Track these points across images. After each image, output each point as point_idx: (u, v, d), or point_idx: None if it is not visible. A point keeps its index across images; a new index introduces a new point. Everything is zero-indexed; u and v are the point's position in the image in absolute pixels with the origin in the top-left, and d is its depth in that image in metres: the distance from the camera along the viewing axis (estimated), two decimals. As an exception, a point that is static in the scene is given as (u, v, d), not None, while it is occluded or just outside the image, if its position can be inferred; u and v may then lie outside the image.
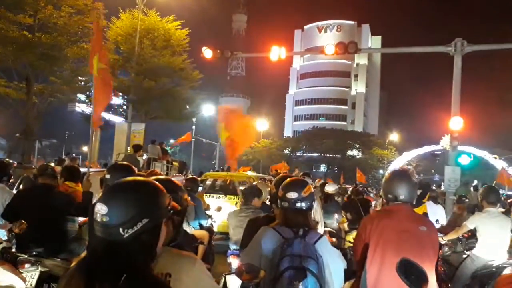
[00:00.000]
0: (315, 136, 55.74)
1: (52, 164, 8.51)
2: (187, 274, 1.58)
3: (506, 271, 4.50)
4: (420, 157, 45.88)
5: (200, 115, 32.22)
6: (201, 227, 5.96)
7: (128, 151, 10.59)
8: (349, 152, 57.19)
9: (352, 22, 78.96)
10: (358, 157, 55.89)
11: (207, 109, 33.82)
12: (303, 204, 2.48)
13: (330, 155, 56.50)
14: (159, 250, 1.39)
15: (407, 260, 1.99)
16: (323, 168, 61.20)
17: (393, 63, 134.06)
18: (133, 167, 3.44)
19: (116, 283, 1.18)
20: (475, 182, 18.19)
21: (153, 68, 21.93)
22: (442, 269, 5.53)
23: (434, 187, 17.06)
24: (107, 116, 25.45)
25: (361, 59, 76.81)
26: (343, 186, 18.91)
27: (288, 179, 2.71)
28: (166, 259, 1.59)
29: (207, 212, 6.89)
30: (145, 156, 13.58)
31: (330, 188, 7.93)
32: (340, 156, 56.13)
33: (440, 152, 36.29)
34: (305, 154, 58.25)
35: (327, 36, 73.87)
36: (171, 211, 1.40)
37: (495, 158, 33.36)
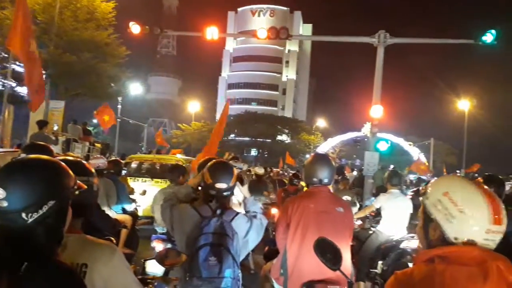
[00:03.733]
0: (247, 120, 56.21)
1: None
2: (105, 265, 1.47)
3: (404, 244, 5.09)
4: (343, 142, 48.58)
5: (127, 94, 30.72)
6: (124, 211, 5.75)
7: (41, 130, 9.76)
8: (279, 137, 58.62)
9: (285, 8, 79.97)
10: (287, 142, 57.52)
11: (135, 88, 32.30)
12: (229, 193, 2.61)
13: (261, 140, 57.48)
14: (65, 235, 1.28)
15: (324, 238, 2.06)
16: (253, 152, 62.13)
17: (322, 52, 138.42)
18: (51, 148, 3.22)
19: (17, 272, 1.05)
20: (392, 166, 19.64)
21: (75, 42, 20.36)
22: (351, 244, 6.01)
23: (355, 171, 18.21)
24: (22, 92, 23.24)
25: (292, 46, 78.33)
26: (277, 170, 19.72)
27: (214, 163, 2.66)
28: (82, 248, 1.46)
29: (131, 196, 6.63)
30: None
31: (260, 171, 9.20)
32: (270, 140, 57.33)
33: (361, 139, 38.66)
34: (236, 138, 58.59)
35: (260, 20, 74.08)
36: (77, 192, 1.30)
37: (410, 145, 36.37)
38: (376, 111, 10.44)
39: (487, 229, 1.26)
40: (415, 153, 31.51)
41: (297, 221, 2.88)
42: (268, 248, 4.55)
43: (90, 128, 19.07)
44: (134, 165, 10.00)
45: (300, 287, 2.80)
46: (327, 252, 2.01)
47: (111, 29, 22.02)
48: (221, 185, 2.52)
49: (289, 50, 79.63)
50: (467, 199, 1.30)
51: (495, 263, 1.21)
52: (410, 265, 4.85)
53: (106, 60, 22.11)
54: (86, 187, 1.38)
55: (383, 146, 10.73)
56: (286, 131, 58.55)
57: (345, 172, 16.20)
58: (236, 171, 2.71)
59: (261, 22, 67.10)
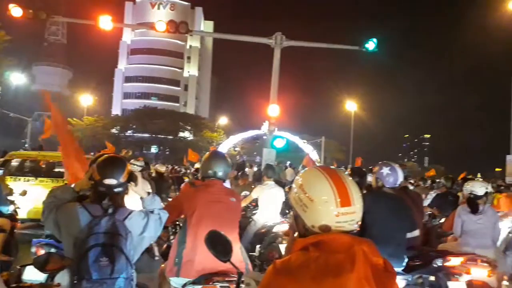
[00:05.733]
0: (147, 116, 54.18)
1: None
2: None
3: (276, 228, 5.80)
4: (244, 140, 49.67)
5: (7, 84, 27.33)
6: (1, 214, 5.15)
7: None
8: (181, 134, 57.69)
9: (186, 3, 78.75)
10: (189, 139, 56.89)
11: (17, 78, 28.85)
12: (121, 189, 2.45)
13: (162, 136, 55.92)
14: None
15: (215, 231, 2.12)
16: (154, 149, 60.15)
17: (224, 50, 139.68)
18: None
19: None
20: (288, 163, 20.73)
21: None
22: None
23: (256, 168, 18.86)
24: None
25: (194, 42, 77.54)
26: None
27: (103, 159, 2.54)
28: None
29: (10, 197, 5.97)
30: None
31: (162, 168, 9.60)
32: (172, 137, 56.09)
33: (260, 136, 40.11)
34: (135, 134, 56.06)
35: (160, 13, 71.71)
36: None
37: (304, 142, 38.70)
38: (273, 110, 10.94)
39: (336, 212, 1.33)
40: (309, 150, 33.76)
41: (192, 214, 2.97)
42: (166, 246, 4.49)
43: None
44: (14, 163, 8.96)
45: (193, 275, 2.85)
46: (218, 244, 2.07)
47: (-14, 10, 19.37)
48: (110, 181, 2.38)
49: (190, 46, 78.67)
50: (315, 187, 1.37)
51: (360, 247, 1.31)
52: (281, 246, 5.52)
53: (-20, 44, 19.42)
54: None
55: (279, 143, 11.29)
56: (189, 127, 57.88)
57: (246, 168, 16.72)
58: (130, 166, 2.60)
59: (160, 15, 65.08)
